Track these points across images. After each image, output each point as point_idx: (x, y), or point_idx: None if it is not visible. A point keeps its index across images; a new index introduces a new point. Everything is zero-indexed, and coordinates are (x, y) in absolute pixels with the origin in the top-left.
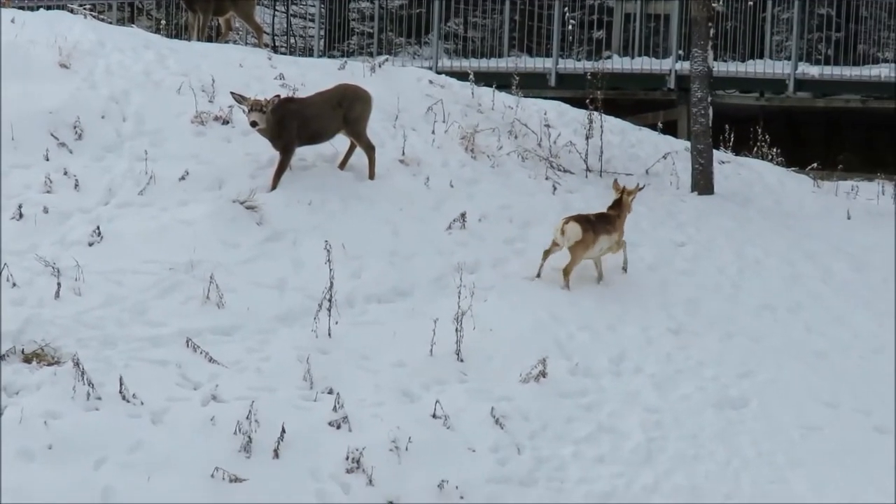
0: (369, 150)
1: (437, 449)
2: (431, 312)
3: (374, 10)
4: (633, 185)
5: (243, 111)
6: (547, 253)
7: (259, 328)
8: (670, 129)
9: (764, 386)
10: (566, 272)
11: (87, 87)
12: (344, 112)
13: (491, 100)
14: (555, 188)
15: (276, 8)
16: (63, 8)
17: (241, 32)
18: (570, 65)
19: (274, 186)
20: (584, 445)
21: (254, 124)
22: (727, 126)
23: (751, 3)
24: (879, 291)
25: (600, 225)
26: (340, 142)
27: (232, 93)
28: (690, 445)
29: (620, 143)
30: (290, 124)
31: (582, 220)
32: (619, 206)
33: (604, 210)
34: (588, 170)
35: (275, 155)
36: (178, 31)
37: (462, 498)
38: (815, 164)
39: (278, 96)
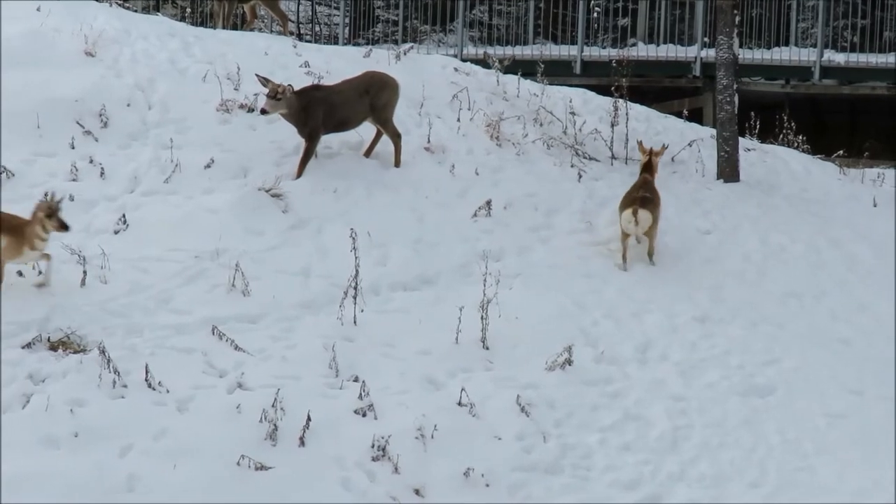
0: (396, 137)
1: (463, 437)
2: (456, 300)
3: None
4: (660, 147)
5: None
6: (626, 238)
7: (284, 316)
8: (696, 117)
9: (789, 373)
10: (651, 253)
11: (113, 75)
12: (371, 99)
13: (516, 87)
14: (580, 176)
15: None
16: None
17: (265, 20)
18: (595, 52)
19: (299, 174)
20: (610, 433)
21: (263, 112)
22: (753, 113)
23: None
24: None
25: (654, 196)
26: (366, 130)
27: (257, 74)
28: (716, 433)
29: (646, 130)
30: (316, 111)
31: (646, 202)
32: (650, 169)
33: (639, 178)
34: (613, 157)
35: (300, 143)
36: (203, 20)
37: (487, 486)
38: (840, 152)
39: (291, 86)
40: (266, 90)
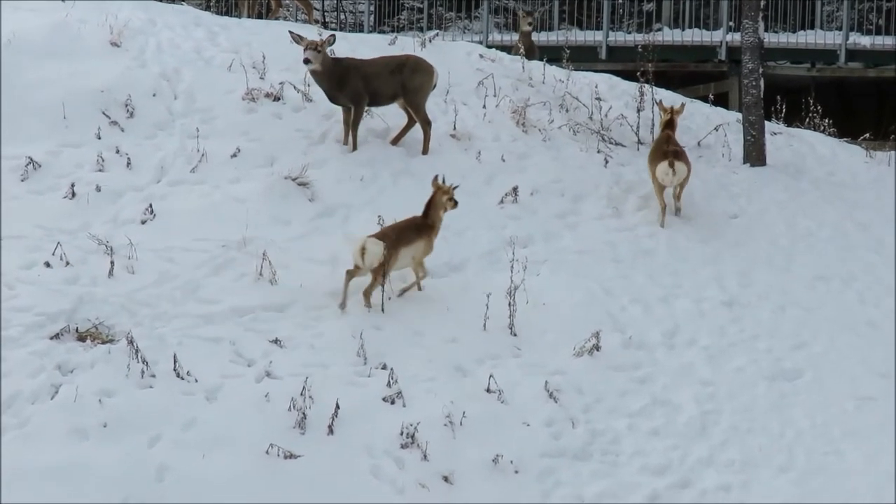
0: (426, 124)
1: (492, 423)
2: (484, 287)
3: None
4: (679, 105)
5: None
6: (662, 190)
7: (312, 304)
8: (721, 101)
9: (817, 357)
10: (678, 197)
11: (138, 65)
12: (403, 80)
13: (542, 73)
14: (606, 161)
15: None
16: None
17: (290, 9)
18: (620, 38)
19: (354, 146)
20: (639, 418)
21: (307, 61)
22: (779, 97)
23: None
24: None
25: (681, 152)
26: (393, 118)
27: (290, 31)
28: (744, 418)
29: None
30: (353, 77)
31: (679, 154)
32: (672, 126)
33: (661, 133)
34: (640, 142)
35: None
36: (228, 9)
37: (517, 472)
38: (867, 135)
39: (333, 35)
40: (301, 45)
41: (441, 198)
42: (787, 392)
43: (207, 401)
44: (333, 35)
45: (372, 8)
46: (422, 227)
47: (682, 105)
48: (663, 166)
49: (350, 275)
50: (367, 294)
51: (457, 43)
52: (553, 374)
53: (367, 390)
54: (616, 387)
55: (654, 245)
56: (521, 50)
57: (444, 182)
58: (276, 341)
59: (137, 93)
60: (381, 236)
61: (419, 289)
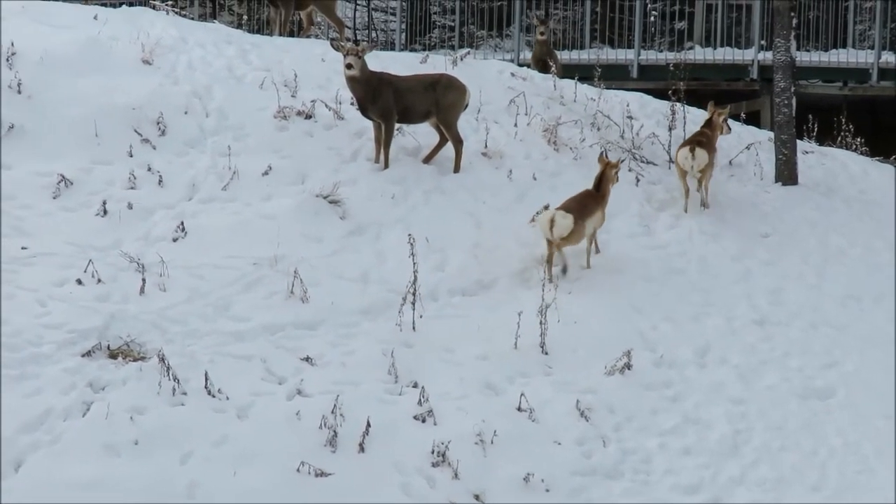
0: (457, 143)
1: (523, 442)
2: (515, 305)
3: (456, 4)
4: (724, 107)
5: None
6: (684, 175)
7: (343, 322)
8: (753, 120)
9: (849, 376)
10: (699, 189)
11: (170, 82)
12: (437, 97)
13: (573, 92)
14: (637, 180)
15: (358, 2)
16: (145, 4)
17: (322, 27)
18: (651, 56)
19: (386, 164)
20: (670, 437)
21: (349, 66)
22: (810, 116)
23: None
24: None
25: (706, 143)
26: (424, 136)
27: (331, 40)
28: (776, 436)
29: None
30: (385, 92)
31: (701, 143)
32: (710, 125)
33: (701, 130)
34: (671, 161)
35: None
36: (259, 27)
37: (548, 491)
38: None
39: (375, 42)
40: (342, 52)
41: (610, 172)
42: (818, 410)
43: (238, 418)
44: (374, 43)
45: (403, 26)
46: (598, 199)
47: (728, 107)
48: (684, 151)
49: (550, 248)
50: (549, 261)
51: (488, 61)
52: (584, 392)
53: (398, 408)
54: (647, 405)
55: (685, 263)
56: (554, 69)
57: (607, 157)
58: (307, 359)
59: (169, 110)
60: (566, 209)
61: (588, 266)
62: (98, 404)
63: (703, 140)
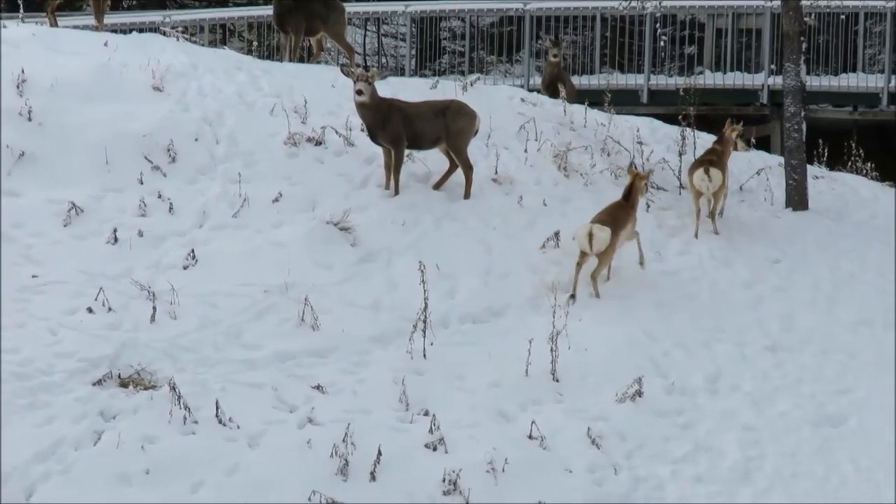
0: (467, 169)
1: (534, 470)
2: (526, 332)
3: (465, 29)
4: (739, 123)
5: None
6: (699, 196)
7: (354, 350)
8: (763, 145)
9: (861, 402)
10: (712, 213)
11: (180, 109)
12: (446, 123)
13: (583, 117)
14: (648, 205)
15: (368, 28)
16: (155, 31)
17: (332, 53)
18: (661, 81)
19: (396, 190)
20: (682, 464)
21: (359, 92)
22: (820, 141)
23: (843, 16)
24: None
25: (718, 161)
26: (434, 162)
27: (341, 66)
28: (789, 463)
29: None
30: (395, 118)
31: (714, 163)
32: (722, 142)
33: (712, 147)
34: (681, 186)
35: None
36: (269, 53)
37: None
38: None
39: (386, 68)
40: (352, 78)
41: (640, 182)
42: (831, 437)
43: (250, 447)
44: (384, 69)
45: (413, 52)
46: (628, 209)
47: (741, 123)
48: (699, 173)
49: (580, 264)
50: (594, 278)
51: (498, 87)
52: (595, 419)
53: (410, 436)
54: (659, 432)
55: (696, 289)
56: (563, 94)
57: (636, 168)
58: (318, 387)
59: (179, 137)
60: (602, 222)
61: (642, 264)
62: (109, 433)
63: (714, 158)
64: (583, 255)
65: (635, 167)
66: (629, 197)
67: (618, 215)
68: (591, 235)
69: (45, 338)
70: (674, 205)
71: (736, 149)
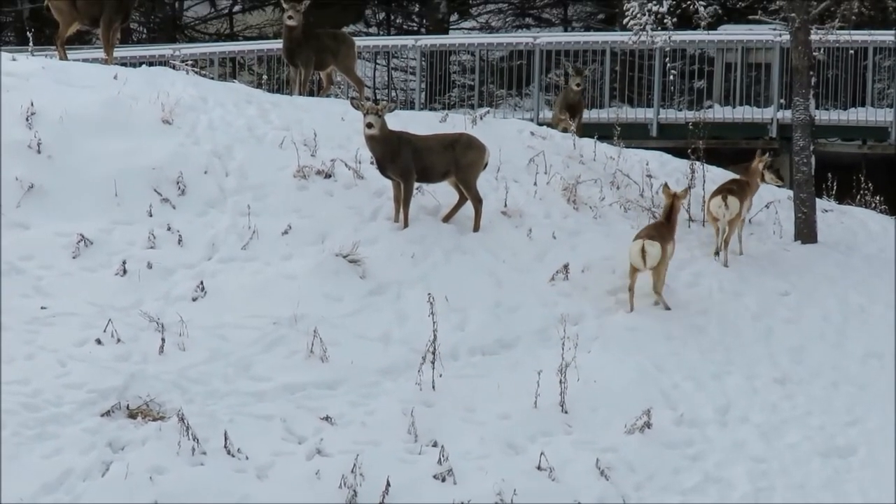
0: (476, 202)
1: (543, 501)
2: (535, 364)
3: (475, 63)
4: (766, 155)
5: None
6: (716, 222)
7: (363, 382)
8: None
9: (871, 434)
10: (726, 242)
11: (190, 142)
12: (456, 156)
13: (593, 150)
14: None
15: (377, 61)
16: (165, 64)
17: (342, 86)
18: (671, 115)
19: (406, 223)
20: (691, 496)
21: (369, 126)
22: (829, 174)
23: (852, 51)
24: None
25: (742, 189)
26: (443, 195)
27: (351, 99)
28: (798, 495)
29: None
30: (405, 151)
31: (733, 192)
32: (748, 172)
33: (737, 178)
34: (691, 220)
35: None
36: (279, 86)
37: None
38: None
39: (395, 101)
40: (361, 112)
41: (678, 203)
42: (840, 469)
43: (258, 478)
44: (394, 102)
45: (423, 85)
46: (670, 229)
47: (767, 155)
48: (716, 200)
49: (632, 287)
50: (658, 291)
51: (508, 120)
52: (604, 451)
53: (418, 468)
54: (668, 464)
55: (705, 321)
56: (573, 127)
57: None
58: (326, 418)
59: (189, 170)
60: (652, 237)
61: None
62: (117, 464)
63: (735, 188)
64: (634, 272)
65: (668, 186)
66: (669, 217)
67: (662, 231)
68: (643, 252)
69: (54, 369)
70: (683, 237)
71: (763, 180)
